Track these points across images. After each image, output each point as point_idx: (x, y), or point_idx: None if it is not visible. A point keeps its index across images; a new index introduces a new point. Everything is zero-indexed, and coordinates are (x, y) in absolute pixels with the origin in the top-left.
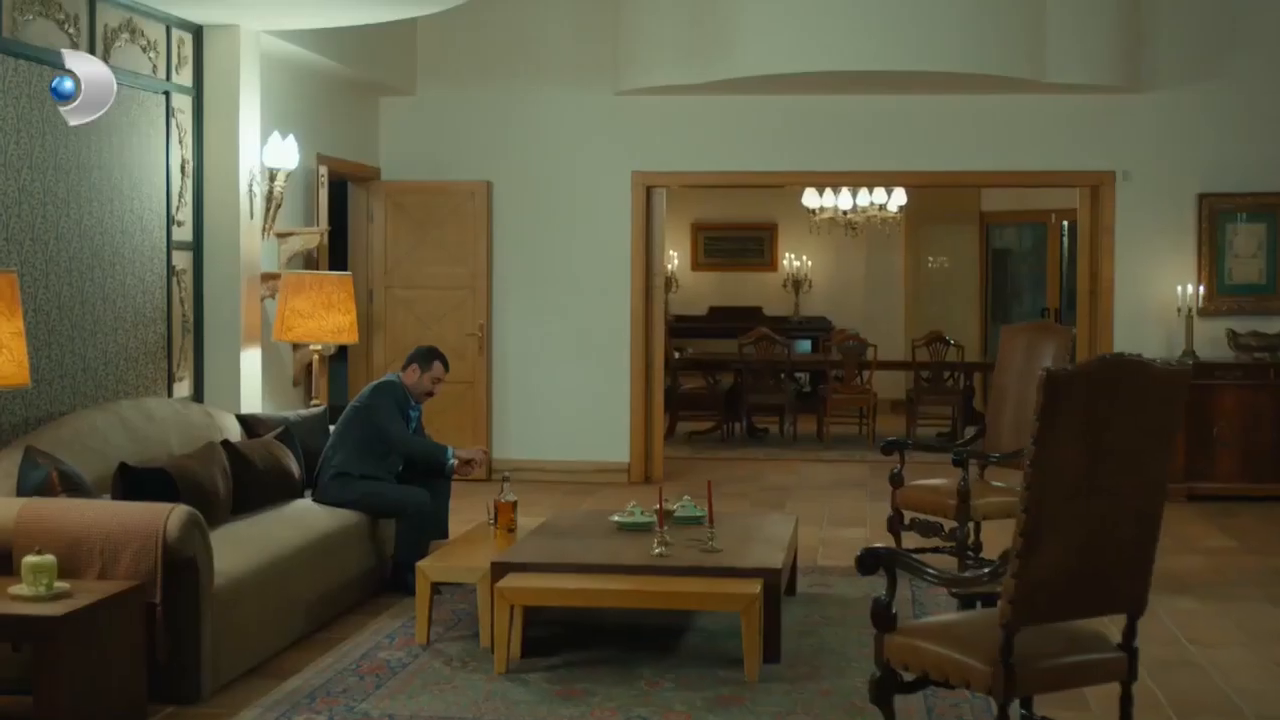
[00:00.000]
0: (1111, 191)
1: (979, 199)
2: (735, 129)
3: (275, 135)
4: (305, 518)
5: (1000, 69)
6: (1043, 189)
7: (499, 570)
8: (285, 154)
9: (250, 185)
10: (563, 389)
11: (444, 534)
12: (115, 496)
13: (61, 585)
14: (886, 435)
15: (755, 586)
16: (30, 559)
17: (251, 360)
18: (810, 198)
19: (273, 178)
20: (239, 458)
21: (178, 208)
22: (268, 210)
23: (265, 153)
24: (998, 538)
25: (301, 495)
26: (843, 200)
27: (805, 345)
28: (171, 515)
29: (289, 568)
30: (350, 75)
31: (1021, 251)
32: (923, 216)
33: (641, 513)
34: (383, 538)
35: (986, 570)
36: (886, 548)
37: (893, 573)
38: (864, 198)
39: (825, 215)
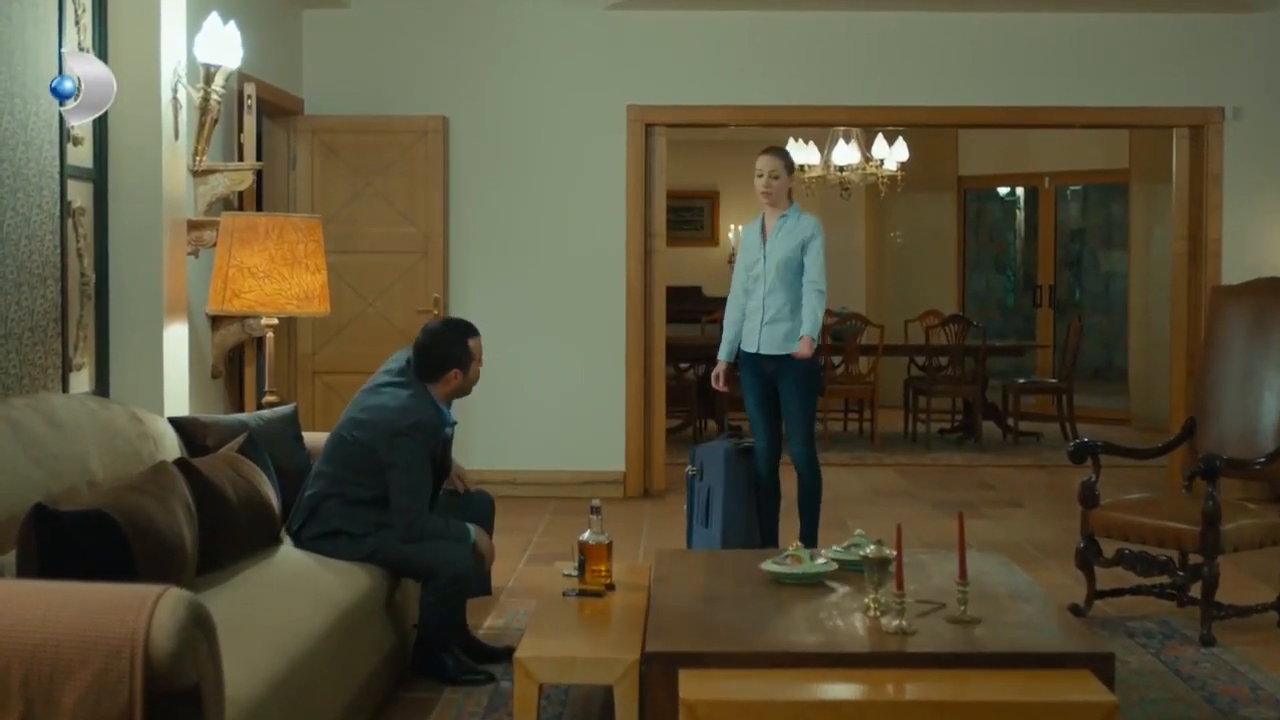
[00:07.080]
0: (1219, 132)
1: (957, 161)
2: (761, 53)
3: (214, 18)
4: (310, 581)
5: None
6: (1028, 135)
7: (661, 665)
8: (226, 46)
9: (175, 90)
10: (539, 379)
11: (486, 588)
12: (26, 562)
13: None
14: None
15: (1097, 686)
16: None
17: (177, 340)
18: (795, 153)
19: (209, 80)
20: (205, 487)
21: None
22: (201, 128)
23: (198, 44)
24: (1242, 575)
25: (280, 537)
26: (839, 155)
27: None
28: (159, 610)
29: (312, 671)
30: None
31: (1006, 220)
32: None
33: (811, 557)
34: (401, 603)
35: None
36: None
37: None
38: (856, 153)
39: (813, 174)
